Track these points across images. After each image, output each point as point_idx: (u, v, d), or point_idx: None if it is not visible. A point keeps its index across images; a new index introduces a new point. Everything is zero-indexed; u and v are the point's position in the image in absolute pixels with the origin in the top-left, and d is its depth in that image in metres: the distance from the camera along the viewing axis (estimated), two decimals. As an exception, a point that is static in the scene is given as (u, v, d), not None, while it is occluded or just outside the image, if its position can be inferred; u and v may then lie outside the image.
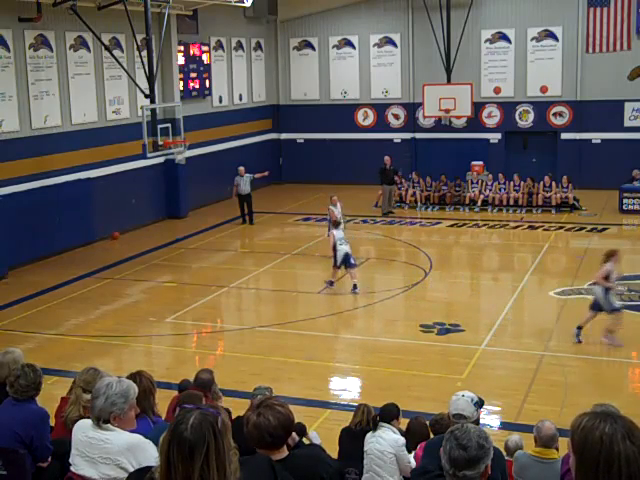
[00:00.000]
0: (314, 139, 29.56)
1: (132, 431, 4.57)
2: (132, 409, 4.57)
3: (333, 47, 29.26)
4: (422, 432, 7.57)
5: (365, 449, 7.15)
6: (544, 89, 27.05)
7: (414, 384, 11.46)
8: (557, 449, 6.90)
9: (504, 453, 7.05)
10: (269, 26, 29.47)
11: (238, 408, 7.16)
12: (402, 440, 7.18)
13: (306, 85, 29.72)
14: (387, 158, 24.31)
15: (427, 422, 7.73)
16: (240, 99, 28.14)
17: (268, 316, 15.30)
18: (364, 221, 23.10)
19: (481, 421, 7.12)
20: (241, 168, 23.10)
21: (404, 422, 7.90)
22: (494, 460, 3.92)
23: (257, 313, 15.91)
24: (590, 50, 26.31)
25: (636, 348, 12.98)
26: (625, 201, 23.24)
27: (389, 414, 7.42)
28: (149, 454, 4.30)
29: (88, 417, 4.64)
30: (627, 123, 26.31)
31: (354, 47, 29.00)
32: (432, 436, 7.17)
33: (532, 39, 27.08)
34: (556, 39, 26.84)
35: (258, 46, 29.27)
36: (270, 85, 29.97)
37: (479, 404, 7.07)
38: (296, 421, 4.28)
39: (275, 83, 30.09)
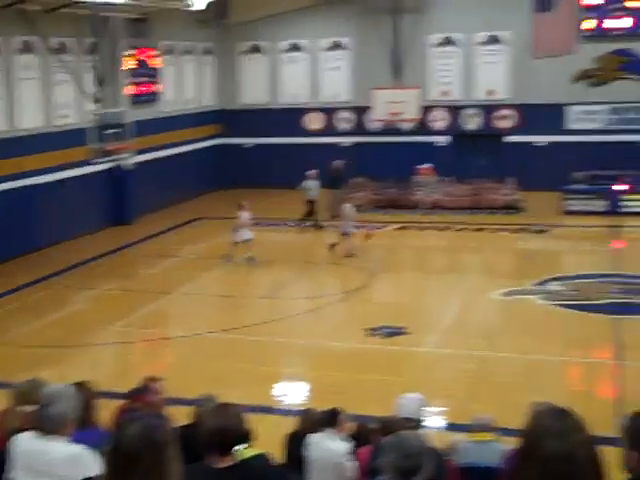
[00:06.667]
0: (264, 144, 29.59)
1: (76, 441, 4.58)
2: (74, 420, 4.58)
3: (283, 51, 29.35)
4: (366, 436, 7.65)
5: (307, 455, 7.18)
6: (491, 93, 27.49)
7: (360, 387, 11.55)
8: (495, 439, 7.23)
9: (446, 453, 7.22)
10: (219, 30, 29.42)
11: (185, 416, 7.18)
12: (346, 446, 7.19)
13: (256, 89, 29.76)
14: (337, 162, 24.48)
15: (373, 426, 7.81)
16: (190, 104, 28.05)
17: (216, 322, 15.28)
18: (313, 225, 23.16)
19: (425, 422, 7.29)
20: (312, 172, 23.00)
21: (351, 426, 7.97)
22: (434, 459, 4.02)
23: (205, 319, 15.86)
24: (536, 54, 26.82)
25: (576, 346, 13.28)
26: (568, 202, 23.76)
27: (331, 419, 7.47)
28: (90, 465, 4.31)
29: (28, 428, 4.63)
30: (570, 126, 26.88)
31: (304, 51, 29.14)
32: (381, 439, 7.25)
33: (479, 43, 27.50)
34: (503, 43, 27.30)
35: (208, 50, 29.21)
36: (220, 89, 29.93)
37: (424, 406, 7.24)
38: (246, 427, 4.32)
39: (225, 87, 30.05)
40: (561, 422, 2.56)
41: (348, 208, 19.79)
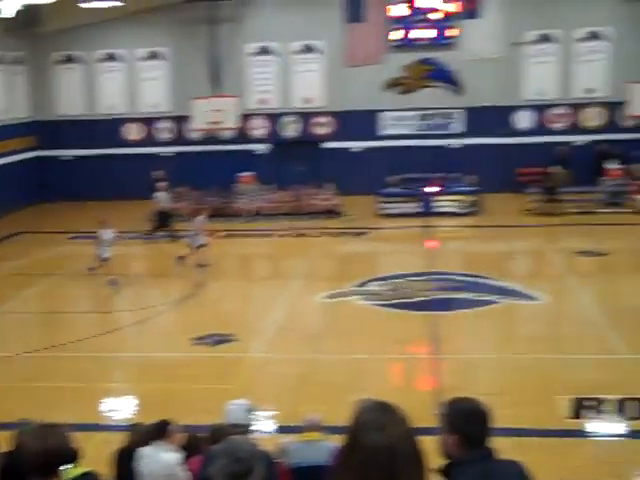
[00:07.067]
0: (83, 155, 28.81)
1: None
2: None
3: (99, 61, 28.74)
4: (197, 445, 7.70)
5: (138, 469, 7.14)
6: (308, 100, 28.18)
7: (191, 398, 11.58)
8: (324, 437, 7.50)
9: (277, 455, 7.42)
10: (32, 39, 28.30)
11: (6, 442, 6.95)
12: (177, 457, 7.20)
13: (72, 100, 28.93)
14: (157, 172, 24.27)
15: (203, 434, 7.87)
16: (1, 115, 26.80)
17: (39, 340, 14.78)
18: (138, 237, 22.82)
19: (256, 427, 7.46)
20: (161, 184, 22.34)
21: (182, 437, 7.99)
22: (265, 462, 4.17)
23: (27, 338, 15.23)
24: (349, 63, 27.76)
25: (397, 343, 13.88)
26: (383, 205, 24.77)
27: (160, 431, 7.46)
28: None
29: None
30: (383, 131, 28.06)
31: (120, 61, 28.66)
32: (212, 446, 7.31)
33: (296, 52, 28.13)
34: (318, 52, 28.07)
35: (19, 60, 28.04)
36: (34, 100, 28.81)
37: (252, 411, 7.40)
38: (72, 446, 4.28)
39: (39, 98, 28.96)
40: (382, 416, 2.66)
41: (200, 219, 19.66)
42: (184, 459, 7.14)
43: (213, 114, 26.73)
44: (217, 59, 27.45)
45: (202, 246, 19.18)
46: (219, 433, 7.07)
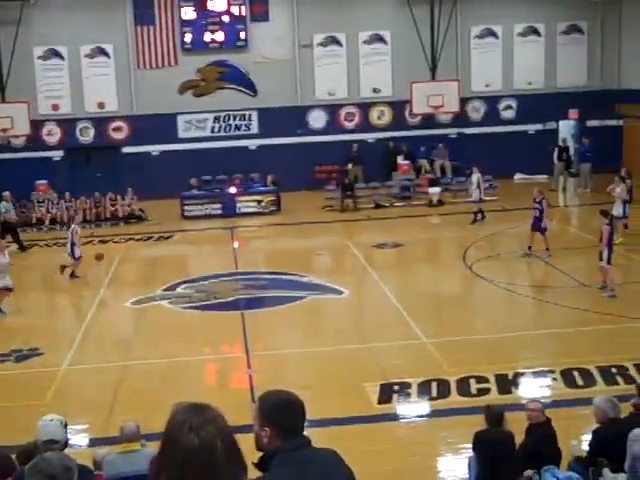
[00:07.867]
0: None
1: None
2: None
3: None
4: (8, 466, 7.41)
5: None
6: (101, 105, 27.52)
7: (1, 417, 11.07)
8: (143, 445, 7.47)
9: (95, 468, 7.33)
10: None
11: None
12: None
13: None
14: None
15: (14, 454, 7.60)
16: None
17: None
18: (18, 247, 21.49)
19: (70, 441, 7.31)
20: (6, 193, 21.19)
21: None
22: (81, 476, 4.13)
23: None
24: (140, 66, 27.45)
25: (210, 344, 14.05)
26: (186, 208, 24.80)
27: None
28: None
29: None
30: (181, 134, 27.96)
31: None
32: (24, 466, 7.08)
33: (87, 55, 27.50)
34: (108, 56, 27.46)
35: None
36: None
37: (65, 425, 7.23)
38: None
39: None
40: (197, 416, 2.69)
41: (76, 228, 18.70)
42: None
43: (2, 120, 25.46)
44: (1, 62, 26.09)
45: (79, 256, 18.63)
46: (31, 451, 6.87)
